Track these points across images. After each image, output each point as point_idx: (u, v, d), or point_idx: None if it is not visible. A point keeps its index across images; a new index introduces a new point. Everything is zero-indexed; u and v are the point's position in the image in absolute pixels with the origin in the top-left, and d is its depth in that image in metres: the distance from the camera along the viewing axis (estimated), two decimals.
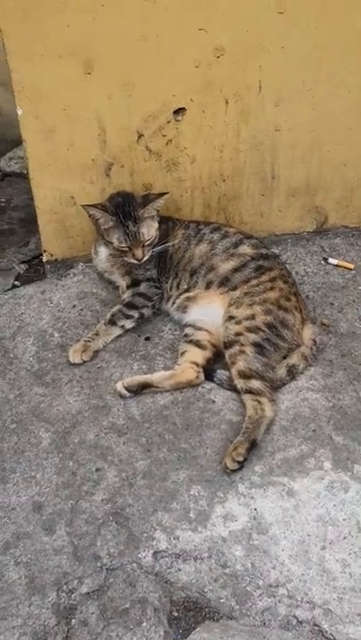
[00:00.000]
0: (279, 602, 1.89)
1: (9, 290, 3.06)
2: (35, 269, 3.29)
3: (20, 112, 2.55)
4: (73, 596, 1.91)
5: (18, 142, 4.36)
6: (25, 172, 4.07)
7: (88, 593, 1.91)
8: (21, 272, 3.29)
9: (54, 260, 3.04)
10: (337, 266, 3.04)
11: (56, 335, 2.74)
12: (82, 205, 2.59)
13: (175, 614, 1.88)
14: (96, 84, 2.53)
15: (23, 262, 3.36)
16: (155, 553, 1.99)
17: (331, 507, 2.10)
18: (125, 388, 2.43)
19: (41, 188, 2.78)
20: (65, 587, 1.92)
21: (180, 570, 1.96)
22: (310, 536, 2.03)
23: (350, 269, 3.02)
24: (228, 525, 2.06)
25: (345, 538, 2.02)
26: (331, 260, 3.05)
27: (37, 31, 2.37)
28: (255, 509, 2.10)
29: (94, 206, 2.59)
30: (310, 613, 1.86)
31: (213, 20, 2.46)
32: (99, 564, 1.97)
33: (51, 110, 2.56)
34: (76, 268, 3.07)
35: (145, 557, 1.98)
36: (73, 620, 1.86)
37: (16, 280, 3.20)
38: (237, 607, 1.88)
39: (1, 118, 4.33)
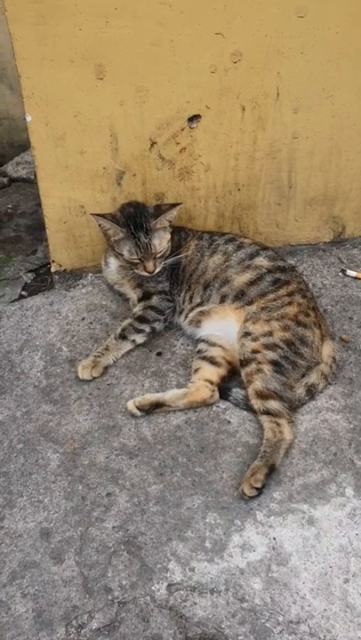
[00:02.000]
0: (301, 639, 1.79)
1: (16, 300, 2.97)
2: (42, 278, 3.20)
3: (28, 118, 2.45)
4: (83, 631, 1.80)
5: (25, 147, 4.29)
6: (32, 177, 4.02)
7: (99, 629, 1.81)
8: (28, 281, 3.19)
9: (63, 271, 2.94)
10: (356, 278, 2.94)
11: (65, 349, 2.64)
12: (91, 214, 2.50)
13: None
14: (108, 90, 2.44)
15: (30, 271, 3.27)
16: (169, 585, 1.89)
17: (353, 536, 2.00)
18: (137, 407, 2.34)
19: (50, 197, 2.68)
20: (74, 621, 1.82)
21: (195, 604, 1.85)
22: (332, 568, 1.93)
23: None
24: (246, 556, 1.95)
25: None
26: (349, 272, 2.95)
27: (48, 35, 2.28)
28: (274, 539, 1.99)
29: (104, 216, 2.49)
30: None
31: (231, 25, 2.37)
32: (110, 597, 1.87)
33: (61, 117, 2.47)
34: (85, 279, 2.97)
35: (159, 590, 1.88)
36: None
37: (23, 290, 3.10)
38: None
39: (8, 122, 4.25)
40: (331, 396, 2.42)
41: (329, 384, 2.44)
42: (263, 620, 1.82)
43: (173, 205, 2.53)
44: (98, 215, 2.49)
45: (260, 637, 1.79)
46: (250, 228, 2.94)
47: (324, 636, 1.79)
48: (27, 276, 3.23)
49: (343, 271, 2.97)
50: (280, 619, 1.83)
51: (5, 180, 4.10)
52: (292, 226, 3.00)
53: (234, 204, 2.87)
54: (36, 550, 1.98)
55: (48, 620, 1.82)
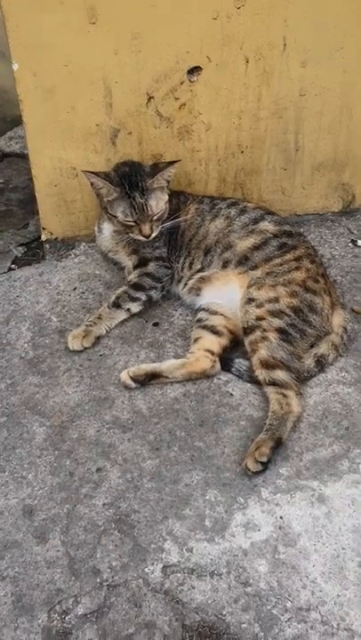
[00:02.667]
0: (311, 628, 1.59)
1: (4, 273, 2.78)
2: (33, 252, 3.02)
3: (15, 67, 2.27)
4: (67, 618, 1.61)
5: (18, 121, 4.11)
6: (25, 152, 3.85)
7: (85, 614, 1.61)
8: (19, 255, 3.01)
9: (54, 240, 2.75)
10: None
11: (54, 320, 2.45)
12: (83, 171, 2.31)
13: None
14: (101, 37, 2.25)
15: (21, 245, 3.09)
16: (164, 567, 1.69)
17: None
18: (131, 378, 2.15)
19: (39, 157, 2.50)
20: (58, 607, 1.63)
21: (193, 588, 1.66)
22: (345, 550, 1.73)
23: None
24: (250, 536, 1.76)
25: None
26: (360, 243, 2.76)
27: None
28: (281, 517, 1.80)
29: (96, 174, 2.30)
30: None
31: None
32: (98, 580, 1.67)
33: (50, 66, 2.29)
34: (78, 249, 2.79)
35: (153, 572, 1.68)
36: None
37: (13, 263, 2.92)
38: (262, 634, 1.58)
39: (1, 95, 4.07)
40: (342, 369, 2.23)
41: (340, 355, 2.25)
42: (269, 607, 1.63)
43: (171, 163, 2.35)
44: (90, 172, 2.30)
45: (265, 625, 1.60)
46: (253, 194, 2.76)
47: (338, 625, 1.59)
48: (17, 249, 3.05)
49: (353, 242, 2.79)
50: (288, 605, 1.63)
51: None
52: (298, 193, 2.81)
53: (237, 167, 2.68)
54: (17, 529, 1.78)
55: (29, 605, 1.63)
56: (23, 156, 3.91)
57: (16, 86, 2.33)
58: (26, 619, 1.60)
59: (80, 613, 1.61)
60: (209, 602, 1.64)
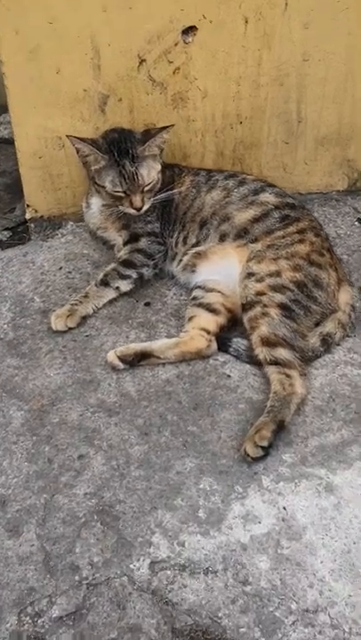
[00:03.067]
0: (320, 633, 1.39)
1: None
2: (19, 237, 2.83)
3: None
4: (40, 620, 1.41)
5: (7, 108, 3.96)
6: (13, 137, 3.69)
7: (61, 617, 1.41)
8: (4, 239, 2.83)
9: (39, 218, 2.57)
10: None
11: (37, 300, 2.27)
12: (67, 136, 2.13)
13: None
14: None
15: (6, 229, 2.90)
16: (152, 563, 1.50)
17: None
18: (119, 358, 1.96)
19: (22, 126, 2.33)
20: (30, 608, 1.43)
21: (185, 586, 1.46)
22: (357, 544, 1.54)
23: None
24: (250, 528, 1.56)
25: None
26: None
27: None
28: (284, 508, 1.60)
29: (82, 140, 2.13)
30: None
31: None
32: (77, 578, 1.47)
33: (34, 23, 2.12)
34: (65, 228, 2.60)
35: (139, 569, 1.48)
36: None
37: None
38: (263, 639, 1.38)
39: None
40: (350, 350, 2.04)
41: (348, 335, 2.06)
42: (272, 608, 1.43)
43: (163, 128, 2.17)
44: (75, 137, 2.12)
45: (267, 630, 1.39)
46: (253, 170, 2.57)
47: (350, 629, 1.39)
48: (2, 233, 2.87)
49: (359, 220, 2.60)
50: (293, 606, 1.43)
51: None
52: (301, 170, 2.63)
53: (235, 140, 2.50)
54: None
55: None
56: (11, 142, 3.75)
57: None
58: None
59: (55, 616, 1.41)
60: (203, 602, 1.44)
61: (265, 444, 1.67)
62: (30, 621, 1.40)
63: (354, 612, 1.42)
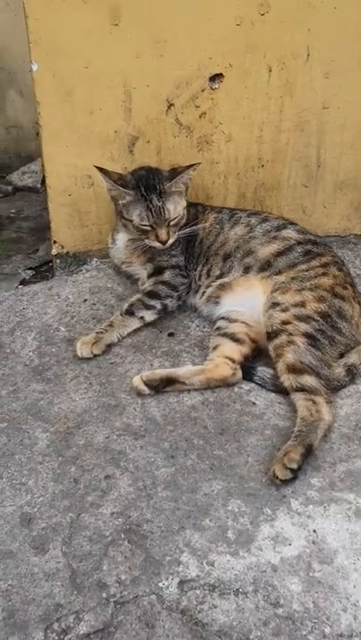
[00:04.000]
0: None
1: (11, 290, 2.65)
2: (42, 276, 2.90)
3: (34, 67, 2.22)
4: (67, 638, 1.36)
5: (32, 158, 4.11)
6: (38, 185, 3.82)
7: (88, 634, 1.37)
8: (27, 277, 2.89)
9: (65, 254, 2.63)
10: None
11: (62, 329, 2.30)
12: (95, 166, 2.21)
13: None
14: (123, 39, 2.22)
15: (30, 269, 2.98)
16: (181, 582, 1.46)
17: None
18: (144, 383, 1.96)
19: (54, 164, 2.42)
20: (56, 624, 1.38)
21: (215, 607, 1.42)
22: None
23: None
24: (280, 550, 1.53)
25: None
26: None
27: None
28: (315, 531, 1.57)
29: (108, 174, 2.21)
30: None
31: None
32: (104, 595, 1.43)
33: (70, 67, 2.24)
34: (90, 264, 2.66)
35: (168, 587, 1.45)
36: None
37: (20, 284, 2.79)
38: None
39: (16, 131, 4.07)
40: None
41: None
42: (305, 632, 1.38)
43: (190, 166, 2.25)
44: (102, 170, 2.20)
45: None
46: (273, 212, 2.64)
47: None
48: (25, 272, 2.94)
49: None
50: (327, 630, 1.38)
51: (10, 188, 3.88)
52: (320, 213, 2.71)
53: (257, 182, 2.60)
54: (13, 538, 1.56)
55: (22, 622, 1.38)
56: (35, 190, 3.89)
57: (34, 87, 2.27)
58: (18, 637, 1.36)
59: (82, 632, 1.37)
60: (234, 624, 1.39)
61: (294, 466, 1.66)
62: (57, 638, 1.36)
63: None
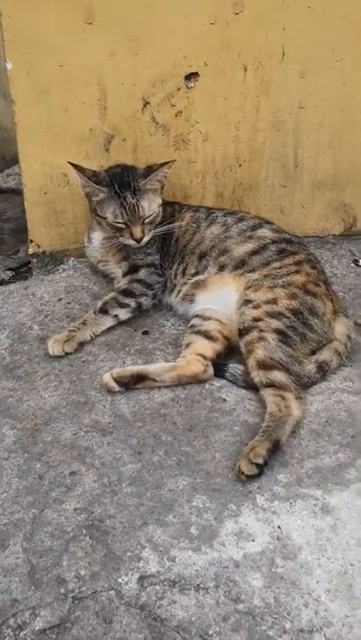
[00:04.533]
0: None
1: None
2: (21, 276, 2.88)
3: (9, 66, 2.23)
4: (22, 633, 1.34)
5: (16, 160, 4.10)
6: (21, 187, 3.82)
7: (44, 630, 1.35)
8: (6, 278, 2.88)
9: (42, 253, 2.63)
10: None
11: (36, 328, 2.28)
12: (69, 162, 2.20)
13: None
14: (98, 37, 2.22)
15: (9, 269, 2.96)
16: (141, 578, 1.44)
17: None
18: (115, 380, 1.95)
19: (30, 162, 2.42)
20: (12, 620, 1.36)
21: (174, 602, 1.40)
22: (354, 566, 1.49)
23: None
24: (243, 546, 1.51)
25: None
26: None
27: None
28: (279, 527, 1.56)
29: (82, 170, 2.20)
30: None
31: None
32: (62, 591, 1.42)
33: (45, 65, 2.24)
34: (67, 264, 2.65)
35: (127, 583, 1.43)
36: None
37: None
38: None
39: (0, 133, 4.08)
40: (346, 378, 2.03)
41: (344, 364, 2.06)
42: (265, 627, 1.36)
43: (165, 163, 2.24)
44: (76, 166, 2.20)
45: None
46: (251, 212, 2.63)
47: None
48: (5, 273, 2.92)
49: (356, 262, 2.66)
50: (287, 625, 1.37)
51: None
52: (298, 213, 2.71)
53: (234, 182, 2.59)
54: None
55: None
56: (19, 192, 3.88)
57: (9, 86, 2.27)
58: None
59: (38, 628, 1.35)
60: (193, 619, 1.37)
61: (260, 461, 1.64)
62: (12, 634, 1.34)
63: (351, 632, 1.35)
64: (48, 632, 1.35)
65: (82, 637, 1.33)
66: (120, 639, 1.33)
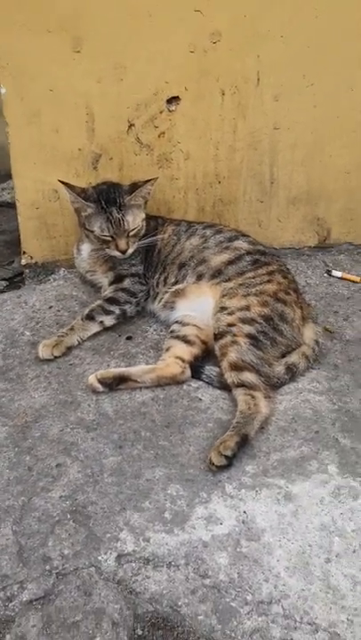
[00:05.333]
0: (273, 622, 1.48)
1: None
2: (15, 286, 3.05)
3: (3, 91, 2.40)
4: (11, 604, 1.50)
5: (11, 175, 4.29)
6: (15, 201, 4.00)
7: (31, 601, 1.51)
8: (1, 288, 3.05)
9: (34, 264, 2.80)
10: (341, 278, 2.79)
11: (27, 334, 2.45)
12: (59, 180, 2.37)
13: (139, 632, 1.47)
14: (85, 65, 2.40)
15: (3, 279, 3.13)
16: (118, 556, 1.60)
17: (337, 515, 1.72)
18: (99, 381, 2.11)
19: (22, 179, 2.59)
20: (2, 593, 1.52)
21: (148, 577, 1.56)
22: (312, 547, 1.64)
23: (356, 282, 2.76)
24: (212, 529, 1.67)
25: (355, 551, 1.63)
26: (335, 273, 2.81)
27: (26, 1, 2.26)
28: (245, 512, 1.72)
29: (72, 188, 2.36)
30: (312, 637, 1.45)
31: (210, 2, 2.37)
32: (47, 567, 1.57)
33: (36, 91, 2.42)
34: (57, 274, 2.83)
35: (106, 561, 1.59)
36: (8, 636, 1.45)
37: None
38: (219, 627, 1.47)
39: None
40: (314, 379, 2.20)
41: (311, 367, 2.23)
42: (228, 599, 1.52)
43: (148, 180, 2.42)
44: (66, 184, 2.37)
45: (223, 618, 1.49)
46: (231, 225, 2.81)
47: (301, 618, 1.49)
48: (0, 283, 3.10)
49: (329, 272, 2.83)
50: (248, 598, 1.53)
51: None
52: (275, 226, 2.89)
53: (214, 197, 2.77)
54: None
55: None
56: (12, 206, 4.05)
57: (3, 110, 2.45)
58: None
59: (25, 600, 1.51)
60: (164, 592, 1.53)
61: (229, 453, 1.81)
62: (1, 604, 1.50)
63: (305, 604, 1.51)
64: (34, 603, 1.50)
65: (64, 607, 1.49)
66: (99, 609, 1.49)
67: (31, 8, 2.28)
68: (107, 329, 2.42)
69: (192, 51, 2.45)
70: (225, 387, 2.11)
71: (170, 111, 2.55)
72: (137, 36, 2.39)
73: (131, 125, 2.55)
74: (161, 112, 2.55)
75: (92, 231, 2.39)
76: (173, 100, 2.54)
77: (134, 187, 2.42)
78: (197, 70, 2.49)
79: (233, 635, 1.46)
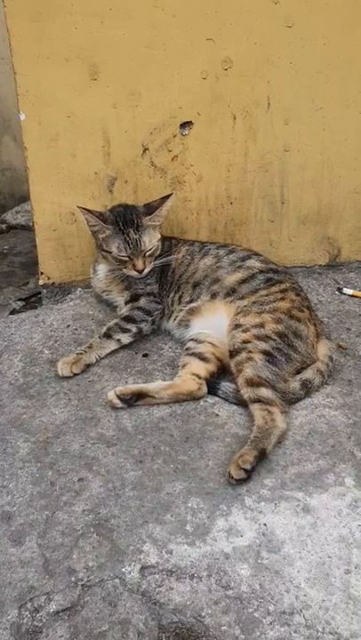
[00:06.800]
0: (295, 632, 1.51)
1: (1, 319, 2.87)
2: (31, 306, 3.13)
3: (22, 117, 2.49)
4: (38, 615, 1.54)
5: (25, 198, 4.39)
6: (30, 224, 4.08)
7: (57, 612, 1.54)
8: (17, 308, 3.12)
9: (51, 284, 2.86)
10: (353, 296, 2.84)
11: (46, 352, 2.50)
12: (78, 207, 2.44)
13: None
14: (101, 92, 2.49)
15: (20, 300, 3.21)
16: (142, 568, 1.63)
17: (355, 527, 1.75)
18: (118, 397, 2.16)
19: (40, 202, 2.67)
20: (29, 604, 1.56)
21: (172, 589, 1.59)
22: (331, 558, 1.67)
23: None
24: (232, 541, 1.71)
25: None
26: (346, 291, 2.86)
27: (45, 32, 2.36)
28: (265, 524, 1.75)
29: (91, 212, 2.44)
30: None
31: (222, 31, 2.46)
32: (73, 579, 1.61)
33: (54, 117, 2.51)
34: (74, 294, 2.89)
35: (130, 573, 1.62)
36: None
37: (10, 314, 3.01)
38: (243, 637, 1.50)
39: (10, 173, 4.37)
40: (328, 395, 2.24)
41: (326, 383, 2.27)
42: (251, 610, 1.55)
43: (164, 198, 2.49)
44: (84, 209, 2.44)
45: (246, 628, 1.51)
46: (243, 245, 2.88)
47: (323, 629, 1.51)
48: (16, 303, 3.17)
49: (340, 289, 2.88)
50: (271, 608, 1.56)
51: (4, 226, 4.15)
52: (285, 245, 2.95)
53: (226, 218, 2.84)
54: None
55: None
56: (28, 228, 4.15)
57: (22, 135, 2.53)
58: None
59: (52, 610, 1.54)
60: (188, 603, 1.56)
61: (247, 467, 1.85)
62: (29, 615, 1.53)
63: (327, 614, 1.54)
64: (61, 614, 1.54)
65: (90, 618, 1.52)
66: (124, 619, 1.52)
67: (49, 38, 2.37)
68: (124, 347, 2.48)
69: (205, 77, 2.53)
70: (241, 402, 2.15)
71: (183, 135, 2.63)
72: (151, 64, 2.48)
73: (145, 149, 2.63)
74: (174, 136, 2.63)
75: (110, 252, 2.46)
76: (187, 124, 2.62)
77: (149, 207, 2.49)
78: (210, 96, 2.57)
79: None
